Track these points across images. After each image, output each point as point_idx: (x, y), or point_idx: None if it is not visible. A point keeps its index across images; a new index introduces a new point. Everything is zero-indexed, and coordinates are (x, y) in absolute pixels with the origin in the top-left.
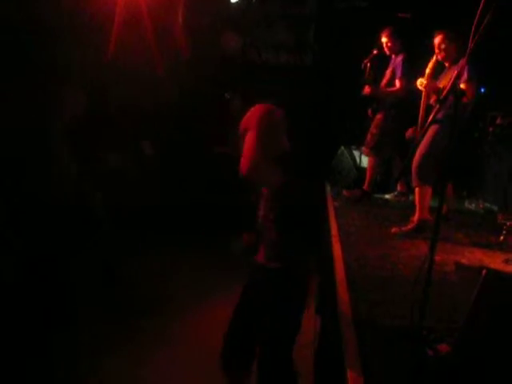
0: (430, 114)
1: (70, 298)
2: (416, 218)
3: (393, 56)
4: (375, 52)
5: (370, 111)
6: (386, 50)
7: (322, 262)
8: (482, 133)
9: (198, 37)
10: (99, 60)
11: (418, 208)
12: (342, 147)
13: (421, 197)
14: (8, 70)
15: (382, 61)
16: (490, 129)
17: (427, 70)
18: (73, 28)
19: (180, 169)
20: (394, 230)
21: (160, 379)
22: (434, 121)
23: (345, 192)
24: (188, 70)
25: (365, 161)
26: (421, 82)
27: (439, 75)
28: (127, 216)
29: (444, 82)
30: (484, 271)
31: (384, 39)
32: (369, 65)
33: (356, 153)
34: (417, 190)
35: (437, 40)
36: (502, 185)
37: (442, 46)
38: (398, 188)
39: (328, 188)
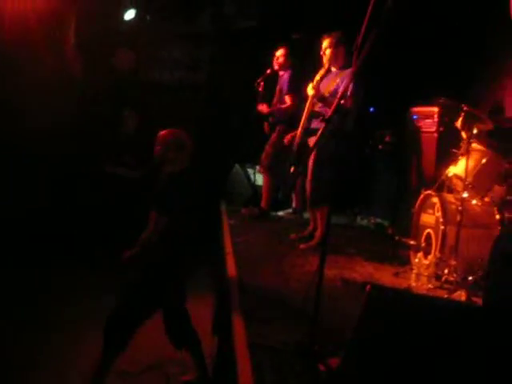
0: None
1: None
2: (319, 233)
3: (280, 73)
4: (269, 71)
5: (266, 126)
6: (275, 64)
7: (217, 282)
8: (372, 150)
9: (90, 55)
10: None
11: (319, 224)
12: (237, 165)
13: (322, 215)
14: None
15: (275, 80)
16: (380, 146)
17: (317, 77)
18: None
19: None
20: (302, 246)
21: None
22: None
23: (243, 210)
24: (81, 88)
25: (259, 179)
26: (311, 88)
27: (325, 78)
28: None
29: (329, 88)
30: (368, 287)
31: (278, 53)
32: (262, 83)
33: (250, 171)
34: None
35: (324, 43)
36: (391, 200)
37: (328, 50)
38: (293, 205)
39: (223, 206)
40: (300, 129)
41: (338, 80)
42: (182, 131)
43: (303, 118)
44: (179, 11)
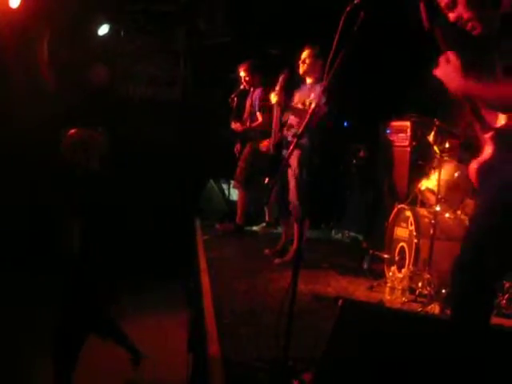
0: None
1: None
2: (294, 246)
3: (251, 90)
4: (242, 87)
5: (237, 147)
6: (244, 83)
7: (192, 298)
8: (347, 164)
9: (64, 71)
10: None
11: (295, 238)
12: (211, 181)
13: (301, 228)
14: None
15: (248, 96)
16: (354, 161)
17: (278, 87)
18: None
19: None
20: (276, 261)
21: None
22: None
23: (218, 226)
24: (55, 102)
25: (234, 194)
26: (274, 96)
27: (299, 89)
28: None
29: (302, 101)
30: (340, 301)
31: (242, 73)
32: (236, 99)
33: (225, 186)
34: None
35: (305, 53)
36: (365, 214)
37: (307, 61)
38: (267, 219)
39: (197, 222)
40: (272, 140)
41: (312, 94)
42: (91, 130)
43: (274, 128)
44: (153, 27)
